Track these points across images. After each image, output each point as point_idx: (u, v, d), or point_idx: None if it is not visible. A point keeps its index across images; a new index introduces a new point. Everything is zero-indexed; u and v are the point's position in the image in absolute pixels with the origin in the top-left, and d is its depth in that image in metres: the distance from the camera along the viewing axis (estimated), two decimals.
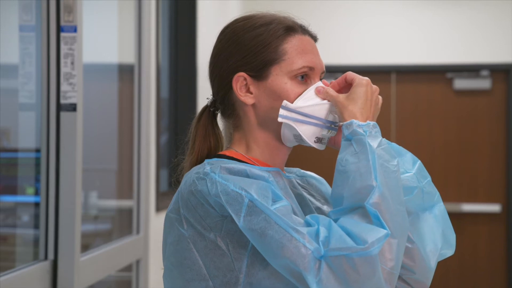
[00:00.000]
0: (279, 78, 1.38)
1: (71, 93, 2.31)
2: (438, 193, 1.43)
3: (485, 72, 5.73)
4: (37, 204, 2.35)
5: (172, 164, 1.51)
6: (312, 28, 1.45)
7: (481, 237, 5.74)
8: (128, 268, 3.21)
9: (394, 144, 1.43)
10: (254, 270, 1.28)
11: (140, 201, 3.30)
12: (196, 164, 1.41)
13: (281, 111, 1.36)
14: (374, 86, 1.37)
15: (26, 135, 2.44)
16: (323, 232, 1.21)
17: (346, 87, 1.39)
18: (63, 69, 2.30)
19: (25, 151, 2.46)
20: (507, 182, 5.71)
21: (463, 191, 5.78)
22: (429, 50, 5.75)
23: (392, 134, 5.81)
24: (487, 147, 5.76)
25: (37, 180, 2.35)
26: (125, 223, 3.34)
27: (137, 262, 3.26)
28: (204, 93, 4.27)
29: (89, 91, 2.60)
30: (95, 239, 3.08)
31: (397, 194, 1.27)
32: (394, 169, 1.28)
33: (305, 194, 1.48)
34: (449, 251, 1.43)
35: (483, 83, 5.75)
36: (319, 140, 1.38)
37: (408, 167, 1.41)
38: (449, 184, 5.77)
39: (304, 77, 1.39)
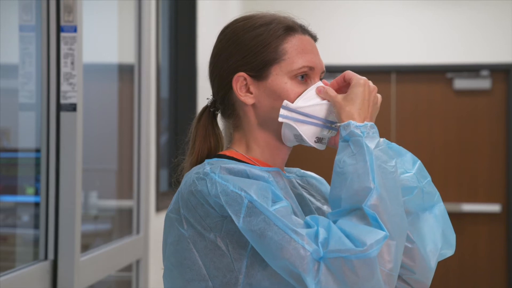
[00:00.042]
0: (279, 78, 1.38)
1: (71, 93, 2.31)
2: (438, 193, 1.43)
3: (485, 72, 5.73)
4: (37, 204, 2.35)
5: (172, 164, 1.51)
6: (312, 28, 1.45)
7: (481, 237, 5.74)
8: (128, 268, 3.21)
9: (394, 144, 1.43)
10: (253, 271, 1.28)
11: (140, 201, 3.30)
12: (196, 164, 1.41)
13: (282, 111, 1.36)
14: (372, 85, 1.37)
15: (26, 135, 2.44)
16: (322, 233, 1.21)
17: (345, 86, 1.39)
18: (63, 69, 2.30)
19: (25, 151, 2.46)
20: (507, 182, 5.71)
21: (463, 191, 5.78)
22: (429, 50, 5.75)
23: (392, 134, 5.81)
24: (487, 147, 5.76)
25: (37, 180, 2.35)
26: (125, 223, 3.34)
27: (137, 262, 3.26)
28: (204, 93, 4.27)
29: (89, 91, 2.60)
30: (95, 239, 3.08)
31: (395, 195, 1.27)
32: (392, 170, 1.28)
33: (305, 194, 1.48)
34: (449, 251, 1.43)
35: (483, 83, 5.75)
36: (319, 140, 1.38)
37: (408, 167, 1.41)
38: (449, 184, 5.77)
39: (304, 77, 1.39)
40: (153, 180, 3.51)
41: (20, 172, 2.46)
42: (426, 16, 5.75)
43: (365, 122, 1.32)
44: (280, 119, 1.36)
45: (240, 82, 1.39)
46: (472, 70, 5.75)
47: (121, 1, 3.43)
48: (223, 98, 1.43)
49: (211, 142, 1.45)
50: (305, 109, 1.36)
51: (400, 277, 1.39)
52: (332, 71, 5.46)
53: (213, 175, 1.29)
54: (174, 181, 1.48)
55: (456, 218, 5.64)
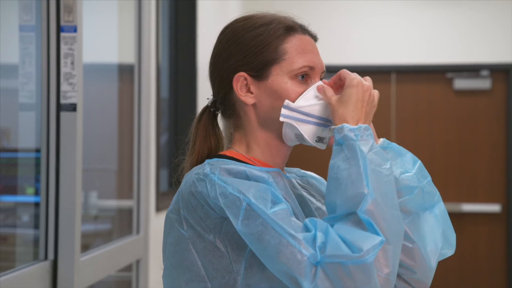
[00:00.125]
0: (279, 77, 1.38)
1: (71, 93, 2.31)
2: (438, 193, 1.43)
3: (485, 72, 5.73)
4: (37, 204, 2.35)
5: (173, 164, 1.52)
6: (312, 28, 1.45)
7: (481, 237, 5.74)
8: (128, 268, 3.21)
9: (394, 144, 1.43)
10: (252, 273, 1.28)
11: (140, 201, 3.30)
12: (196, 165, 1.41)
13: (283, 111, 1.36)
14: (366, 85, 1.34)
15: (26, 135, 2.44)
16: (320, 237, 1.21)
17: (342, 85, 1.38)
18: (63, 69, 2.30)
19: (25, 151, 2.46)
20: (507, 182, 5.71)
21: (463, 191, 5.78)
22: (429, 50, 5.75)
23: (392, 134, 5.81)
24: (487, 147, 5.76)
25: (37, 180, 2.35)
26: (125, 223, 3.34)
27: (137, 262, 3.26)
28: (204, 93, 4.27)
29: (89, 91, 2.60)
30: (95, 239, 3.08)
31: (390, 198, 1.26)
32: (386, 173, 1.27)
33: (305, 194, 1.48)
34: (450, 251, 1.43)
35: (483, 83, 5.75)
36: (320, 139, 1.38)
37: (409, 167, 1.41)
38: (449, 184, 5.77)
39: (304, 77, 1.39)
40: (153, 180, 3.51)
41: (20, 172, 2.46)
42: (426, 16, 5.75)
43: (359, 125, 1.30)
44: (281, 119, 1.36)
45: (240, 82, 1.39)
46: (472, 70, 5.75)
47: (121, 1, 3.43)
48: (224, 98, 1.43)
49: (211, 142, 1.45)
50: (306, 108, 1.36)
51: (400, 277, 1.39)
52: (332, 71, 5.44)
53: (213, 176, 1.29)
54: (174, 181, 1.48)
55: (456, 218, 5.64)
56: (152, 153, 3.46)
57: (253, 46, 1.38)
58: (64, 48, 2.30)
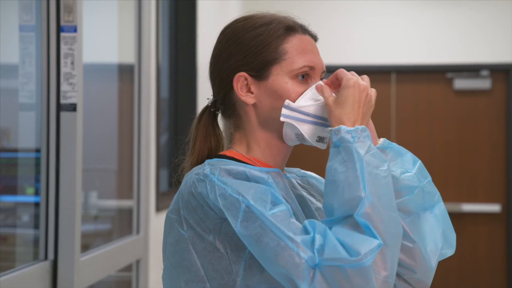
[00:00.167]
0: (279, 77, 1.38)
1: (71, 93, 2.31)
2: (438, 193, 1.43)
3: (485, 72, 5.73)
4: (37, 204, 2.35)
5: (173, 164, 1.51)
6: (312, 28, 1.45)
7: (481, 237, 5.74)
8: (128, 268, 3.21)
9: (394, 144, 1.43)
10: (251, 274, 1.28)
11: (140, 201, 3.30)
12: (196, 165, 1.41)
13: (284, 111, 1.36)
14: (363, 85, 1.33)
15: (26, 135, 2.44)
16: (318, 239, 1.21)
17: (339, 85, 1.38)
18: (63, 69, 2.30)
19: (25, 151, 2.46)
20: (507, 182, 5.71)
21: (463, 191, 5.78)
22: (429, 50, 5.75)
23: (392, 134, 5.81)
24: (487, 147, 5.76)
25: (37, 180, 2.34)
26: (125, 223, 3.34)
27: (137, 262, 3.26)
28: (204, 93, 4.27)
29: (89, 91, 2.60)
30: (95, 239, 3.08)
31: (388, 200, 1.25)
32: (384, 175, 1.26)
33: (305, 194, 1.48)
34: (450, 251, 1.43)
35: (483, 83, 5.75)
36: (320, 139, 1.38)
37: (409, 166, 1.40)
38: (449, 184, 5.77)
39: (304, 77, 1.39)
40: (153, 180, 3.51)
41: (20, 172, 2.46)
42: (426, 16, 5.75)
43: (356, 126, 1.30)
44: (282, 119, 1.36)
45: (241, 82, 1.39)
46: (472, 70, 5.75)
47: (121, 1, 3.43)
48: (224, 98, 1.42)
49: (211, 142, 1.45)
50: (306, 108, 1.36)
51: (401, 277, 1.39)
52: (332, 71, 5.44)
53: (213, 177, 1.29)
54: (174, 181, 1.48)
55: (456, 218, 5.64)
56: (152, 153, 3.46)
57: (253, 46, 1.38)
58: (64, 48, 2.30)
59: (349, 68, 1.40)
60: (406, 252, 1.37)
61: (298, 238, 1.21)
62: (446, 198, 5.57)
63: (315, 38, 1.44)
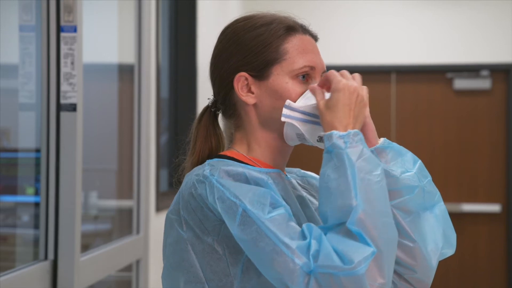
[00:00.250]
0: (280, 77, 1.38)
1: (71, 93, 2.31)
2: (438, 193, 1.43)
3: (485, 72, 5.73)
4: (37, 204, 2.35)
5: (174, 164, 1.51)
6: (312, 28, 1.45)
7: (481, 237, 5.74)
8: (128, 268, 3.21)
9: (394, 144, 1.43)
10: (248, 277, 1.28)
11: (140, 201, 3.30)
12: (197, 165, 1.40)
13: (284, 111, 1.36)
14: (353, 86, 1.32)
15: (26, 135, 2.44)
16: (314, 245, 1.21)
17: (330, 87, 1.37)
18: (63, 69, 2.30)
19: (25, 151, 2.46)
20: (507, 182, 5.71)
21: (463, 191, 5.78)
22: (429, 50, 5.75)
23: (392, 134, 5.81)
24: (487, 147, 5.76)
25: (37, 180, 2.34)
26: (125, 223, 3.34)
27: (137, 262, 3.26)
28: (204, 93, 4.27)
29: (89, 91, 2.60)
30: (95, 239, 3.08)
31: (381, 206, 1.24)
32: (377, 180, 1.25)
33: (305, 194, 1.48)
34: (450, 251, 1.43)
35: (483, 83, 5.75)
36: (321, 139, 1.38)
37: (409, 166, 1.40)
38: (449, 184, 5.77)
39: (305, 77, 1.39)
40: (153, 180, 3.51)
41: (20, 172, 2.46)
42: (426, 16, 5.75)
43: (348, 131, 1.28)
44: (282, 119, 1.36)
45: (241, 82, 1.39)
46: (472, 70, 5.75)
47: (121, 1, 3.43)
48: (224, 98, 1.42)
49: (212, 143, 1.44)
50: (307, 108, 1.36)
51: (401, 276, 1.39)
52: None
53: (212, 178, 1.29)
54: (175, 181, 1.48)
55: (456, 218, 5.64)
56: (152, 153, 3.46)
57: (253, 46, 1.38)
58: (64, 48, 2.30)
59: (349, 68, 1.40)
60: (407, 252, 1.37)
61: (294, 244, 1.21)
62: (446, 198, 5.57)
63: (315, 38, 1.44)
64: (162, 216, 3.60)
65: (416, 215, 1.38)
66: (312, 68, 1.39)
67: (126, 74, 3.37)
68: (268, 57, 1.38)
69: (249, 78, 1.39)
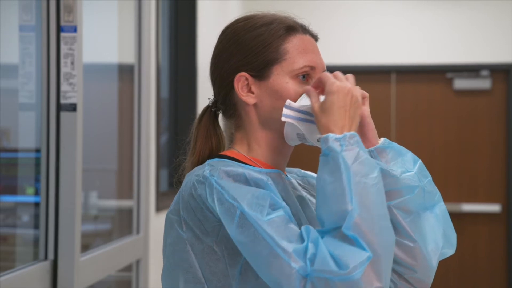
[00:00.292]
0: (280, 77, 1.38)
1: (71, 93, 2.31)
2: (439, 193, 1.43)
3: (485, 72, 5.73)
4: (37, 204, 2.35)
5: (174, 165, 1.51)
6: (312, 28, 1.45)
7: (481, 237, 5.74)
8: (128, 268, 3.21)
9: (395, 144, 1.43)
10: (247, 279, 1.28)
11: (140, 201, 3.30)
12: (197, 165, 1.40)
13: (285, 110, 1.36)
14: (347, 88, 1.30)
15: (26, 135, 2.44)
16: (311, 248, 1.20)
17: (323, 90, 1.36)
18: (63, 69, 2.30)
19: (25, 151, 2.46)
20: (507, 182, 5.71)
21: (463, 191, 5.78)
22: (429, 50, 5.75)
23: (392, 134, 5.81)
24: (487, 147, 5.76)
25: (37, 180, 2.34)
26: (125, 223, 3.34)
27: (137, 262, 3.26)
28: (204, 93, 4.27)
29: (89, 91, 2.60)
30: (95, 239, 3.07)
31: (378, 209, 1.23)
32: (373, 183, 1.24)
33: (305, 194, 1.48)
34: (450, 251, 1.43)
35: (483, 83, 5.75)
36: None
37: (409, 166, 1.40)
38: (449, 184, 5.77)
39: (305, 77, 1.39)
40: (153, 180, 3.51)
41: (20, 172, 2.46)
42: (426, 16, 5.75)
43: (344, 133, 1.27)
44: (283, 119, 1.36)
45: (241, 82, 1.39)
46: (472, 70, 5.75)
47: (121, 1, 3.43)
48: (225, 98, 1.42)
49: (212, 143, 1.44)
50: (307, 108, 1.36)
51: (401, 276, 1.39)
52: (333, 71, 5.45)
53: (212, 179, 1.29)
54: (175, 181, 1.48)
55: (456, 218, 5.64)
56: (152, 153, 3.46)
57: (254, 46, 1.38)
58: (64, 48, 2.30)
59: (349, 68, 1.40)
60: (407, 252, 1.37)
61: (290, 248, 1.20)
62: (446, 198, 5.56)
63: (315, 38, 1.44)
64: (162, 216, 3.60)
65: (416, 215, 1.38)
66: (313, 68, 1.39)
67: (126, 74, 3.37)
68: (268, 57, 1.38)
69: (249, 78, 1.39)
